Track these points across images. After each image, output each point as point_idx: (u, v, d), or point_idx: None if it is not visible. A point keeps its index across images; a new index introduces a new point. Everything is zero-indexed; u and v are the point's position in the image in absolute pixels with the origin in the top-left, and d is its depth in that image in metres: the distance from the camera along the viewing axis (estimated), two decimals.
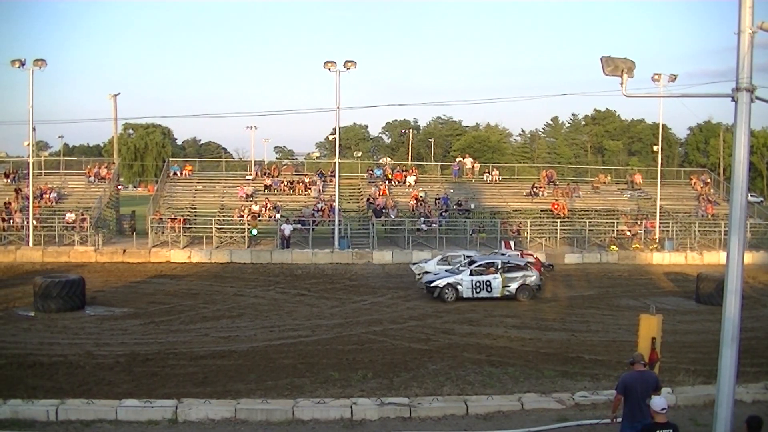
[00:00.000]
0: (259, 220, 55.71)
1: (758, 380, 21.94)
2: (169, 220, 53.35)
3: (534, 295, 36.62)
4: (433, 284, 36.13)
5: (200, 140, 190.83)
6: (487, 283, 35.88)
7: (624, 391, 14.22)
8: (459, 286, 35.80)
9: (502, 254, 43.09)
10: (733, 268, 12.50)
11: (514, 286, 36.11)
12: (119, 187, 70.64)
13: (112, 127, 77.10)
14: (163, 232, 52.61)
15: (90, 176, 62.36)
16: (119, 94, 70.71)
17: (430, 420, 18.21)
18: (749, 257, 49.86)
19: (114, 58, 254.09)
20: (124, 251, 49.69)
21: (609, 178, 72.12)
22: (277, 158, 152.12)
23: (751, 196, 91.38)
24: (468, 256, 40.29)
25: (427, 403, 18.87)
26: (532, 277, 36.71)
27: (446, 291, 35.70)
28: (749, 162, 12.73)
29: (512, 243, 48.87)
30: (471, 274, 36.22)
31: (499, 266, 36.59)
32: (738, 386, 15.44)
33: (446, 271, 37.98)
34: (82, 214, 53.64)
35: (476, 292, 35.78)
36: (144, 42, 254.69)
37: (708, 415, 15.78)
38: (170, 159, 77.40)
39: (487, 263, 37.15)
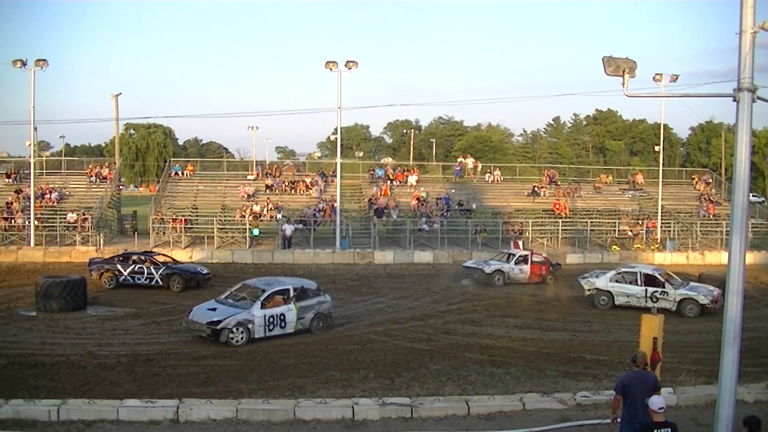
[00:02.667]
0: (261, 220, 55.66)
1: (760, 380, 21.98)
2: (171, 220, 53.36)
3: (328, 325, 29.39)
4: (219, 325, 26.76)
5: (202, 140, 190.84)
6: (281, 317, 27.96)
7: (623, 391, 14.25)
8: (250, 325, 27.14)
9: (512, 254, 43.72)
10: (735, 268, 12.51)
11: (308, 316, 28.61)
12: (120, 187, 70.68)
13: (113, 127, 77.02)
14: (164, 232, 52.61)
15: (91, 176, 62.36)
16: (121, 94, 70.70)
17: (432, 420, 18.23)
18: (751, 257, 49.94)
19: (115, 58, 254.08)
20: (126, 251, 49.54)
21: (610, 178, 72.08)
22: (278, 158, 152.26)
23: (753, 196, 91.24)
24: (646, 274, 35.79)
25: (428, 404, 18.88)
26: (326, 303, 29.55)
27: (234, 333, 26.80)
28: (751, 162, 12.73)
29: (521, 243, 48.39)
30: (263, 307, 27.74)
31: (292, 294, 28.68)
32: (739, 386, 15.45)
33: (234, 303, 28.62)
34: (84, 214, 53.60)
35: (269, 330, 27.65)
36: (146, 42, 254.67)
37: (710, 415, 15.76)
38: (172, 159, 77.40)
39: (278, 291, 28.74)
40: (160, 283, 38.33)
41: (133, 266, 38.80)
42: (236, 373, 22.91)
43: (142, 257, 39.94)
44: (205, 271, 40.08)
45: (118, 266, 38.90)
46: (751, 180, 12.33)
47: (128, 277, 38.63)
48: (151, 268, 38.76)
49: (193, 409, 17.85)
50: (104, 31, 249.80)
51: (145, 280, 38.50)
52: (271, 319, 27.71)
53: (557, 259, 50.08)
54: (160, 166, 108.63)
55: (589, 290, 36.53)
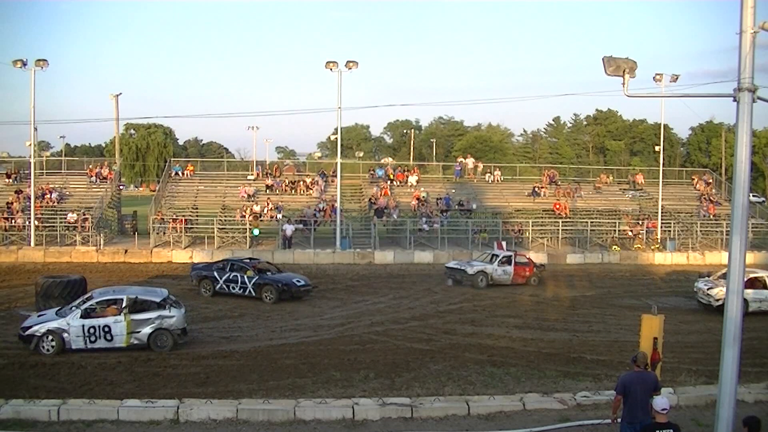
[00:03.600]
0: (261, 220, 55.66)
1: (760, 380, 22.02)
2: (171, 220, 53.38)
3: (176, 343, 26.17)
4: (27, 332, 25.38)
5: (202, 140, 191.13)
6: (106, 329, 25.45)
7: (623, 391, 14.26)
8: (65, 335, 25.14)
9: (495, 255, 43.21)
10: (735, 268, 12.50)
11: (145, 330, 25.77)
12: (121, 187, 70.62)
13: (113, 127, 76.66)
14: (164, 233, 52.60)
15: (91, 176, 62.37)
16: (121, 94, 70.44)
17: (432, 420, 18.25)
18: (751, 257, 49.97)
19: (116, 58, 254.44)
20: (126, 251, 49.80)
21: (611, 178, 72.09)
22: (278, 158, 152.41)
23: (753, 196, 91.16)
24: None
25: (428, 404, 18.90)
26: (172, 318, 26.19)
27: (44, 341, 25.02)
28: (751, 162, 12.72)
29: (504, 244, 48.41)
30: (83, 316, 25.54)
31: (125, 304, 25.97)
32: (740, 386, 15.47)
33: (65, 311, 26.42)
34: (84, 215, 53.60)
35: (90, 342, 25.34)
36: (146, 42, 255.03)
37: (710, 415, 15.79)
38: (172, 159, 77.37)
39: (108, 300, 26.38)
40: (253, 293, 36.37)
41: (228, 274, 37.22)
42: (236, 373, 22.91)
43: (242, 265, 38.14)
44: (302, 282, 37.31)
45: (215, 273, 37.50)
46: (752, 180, 12.39)
47: (224, 286, 37.07)
48: (245, 276, 36.82)
49: (193, 409, 17.86)
50: (104, 31, 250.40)
51: (239, 289, 36.71)
52: (92, 330, 25.25)
53: (555, 259, 50.17)
54: (161, 166, 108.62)
55: (719, 299, 32.72)
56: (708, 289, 35.13)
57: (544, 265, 46.05)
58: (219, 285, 37.05)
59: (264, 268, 38.45)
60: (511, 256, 43.14)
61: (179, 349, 25.69)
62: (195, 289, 37.57)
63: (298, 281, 37.21)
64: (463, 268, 42.16)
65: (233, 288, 36.79)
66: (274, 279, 36.98)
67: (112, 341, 25.30)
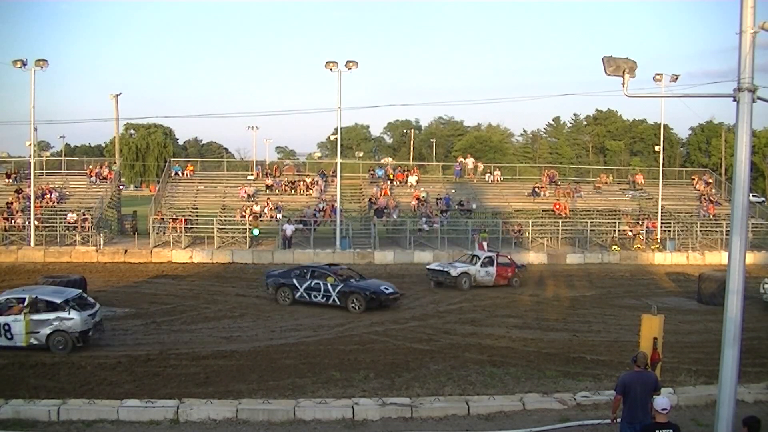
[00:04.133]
0: (261, 221, 55.66)
1: (760, 380, 22.04)
2: (171, 220, 53.38)
3: (75, 346, 25.39)
4: None
5: (202, 140, 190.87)
6: (6, 327, 25.22)
7: (623, 391, 14.25)
8: None
9: (477, 256, 42.88)
10: (735, 268, 12.52)
11: (44, 331, 25.25)
12: (121, 187, 70.62)
13: (113, 128, 76.66)
14: (164, 233, 52.56)
15: (91, 176, 62.37)
16: (121, 94, 70.41)
17: (432, 420, 18.25)
18: (751, 257, 50.01)
19: (115, 58, 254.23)
20: (126, 251, 49.78)
21: (611, 178, 72.12)
22: (278, 158, 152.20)
23: (753, 196, 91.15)
24: None
25: (428, 404, 18.91)
26: (71, 321, 25.37)
27: None
28: (751, 162, 12.72)
29: (485, 244, 48.91)
30: None
31: (26, 303, 25.60)
32: (740, 386, 15.48)
33: None
34: (84, 215, 53.59)
35: None
36: (146, 42, 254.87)
37: (710, 415, 15.80)
38: (172, 159, 77.35)
39: (15, 299, 26.10)
40: (337, 302, 34.51)
41: (310, 282, 35.32)
42: (236, 373, 22.93)
43: (323, 271, 36.28)
44: (390, 290, 35.51)
45: (295, 281, 35.59)
46: (751, 180, 12.39)
47: (304, 294, 35.27)
48: (328, 284, 34.85)
49: (193, 410, 17.87)
50: (104, 31, 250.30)
51: (322, 298, 34.83)
52: None
53: (555, 259, 50.19)
54: (160, 166, 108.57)
55: None
56: None
57: (525, 266, 45.79)
58: (299, 293, 35.37)
59: (346, 275, 36.51)
60: (493, 256, 42.77)
61: (81, 352, 25.14)
62: (269, 297, 36.40)
63: (386, 288, 35.51)
64: (446, 269, 41.21)
65: (315, 296, 35.03)
66: (360, 287, 35.18)
67: (12, 340, 25.19)
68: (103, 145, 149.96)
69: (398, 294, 35.88)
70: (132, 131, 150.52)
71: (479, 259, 42.19)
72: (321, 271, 36.21)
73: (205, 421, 17.66)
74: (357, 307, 34.01)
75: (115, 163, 67.56)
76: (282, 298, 35.56)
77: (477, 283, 41.01)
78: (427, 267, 43.53)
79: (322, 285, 34.92)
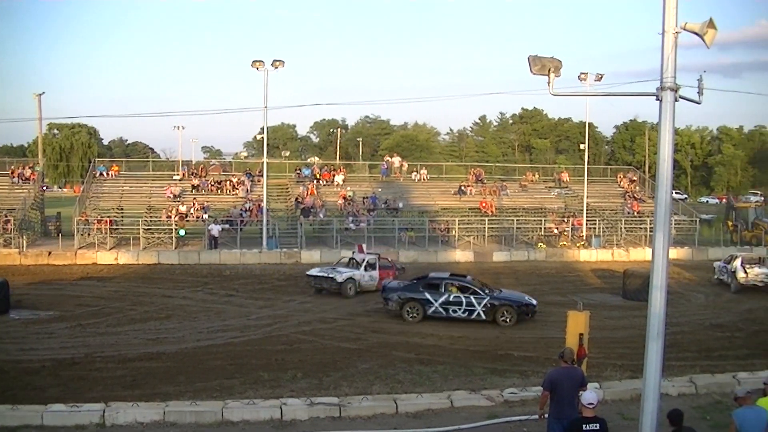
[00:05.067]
0: (187, 221, 55.39)
1: (683, 374, 22.37)
2: (96, 221, 52.72)
3: None
4: None
5: (127, 140, 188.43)
6: None
7: (551, 387, 14.33)
8: None
9: (355, 260, 40.52)
10: (659, 264, 12.65)
11: None
12: (44, 188, 69.77)
13: (36, 127, 75.65)
14: (89, 234, 51.88)
15: (14, 177, 61.38)
16: (44, 93, 69.42)
17: (360, 419, 18.20)
18: (674, 253, 50.68)
19: (38, 56, 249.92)
20: (50, 253, 49.02)
21: (537, 176, 72.85)
22: (204, 158, 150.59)
23: (676, 193, 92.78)
24: None
25: (357, 403, 18.86)
26: None
27: None
28: (674, 160, 12.89)
29: (364, 246, 44.84)
30: None
31: None
32: (664, 380, 15.65)
33: None
34: (6, 216, 52.70)
35: None
36: (69, 40, 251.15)
37: (635, 408, 15.95)
38: (96, 159, 76.54)
39: None
40: (483, 316, 31.69)
41: (447, 295, 32.10)
42: (163, 375, 22.78)
43: (456, 282, 33.27)
44: (534, 301, 33.27)
45: (427, 295, 32.25)
46: (674, 177, 12.33)
47: (440, 309, 31.93)
48: (472, 297, 31.87)
49: (119, 413, 17.65)
50: (26, 30, 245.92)
51: (463, 312, 31.73)
52: None
53: (482, 257, 50.46)
54: (85, 166, 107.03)
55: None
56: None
57: (405, 268, 43.96)
58: (433, 308, 31.98)
59: (477, 286, 33.26)
60: (374, 259, 40.47)
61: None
62: (390, 314, 32.92)
63: (530, 299, 33.30)
64: (330, 275, 38.18)
65: (455, 311, 31.73)
66: (509, 299, 32.79)
67: None
68: (26, 145, 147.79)
69: (536, 305, 33.28)
70: (56, 131, 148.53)
71: (363, 262, 39.74)
72: (461, 283, 33.15)
73: (132, 425, 17.46)
74: (508, 320, 31.60)
75: (38, 163, 66.57)
76: (410, 314, 32.09)
77: (361, 288, 38.46)
78: (308, 273, 39.96)
79: (463, 298, 31.87)
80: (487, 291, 32.68)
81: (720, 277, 43.33)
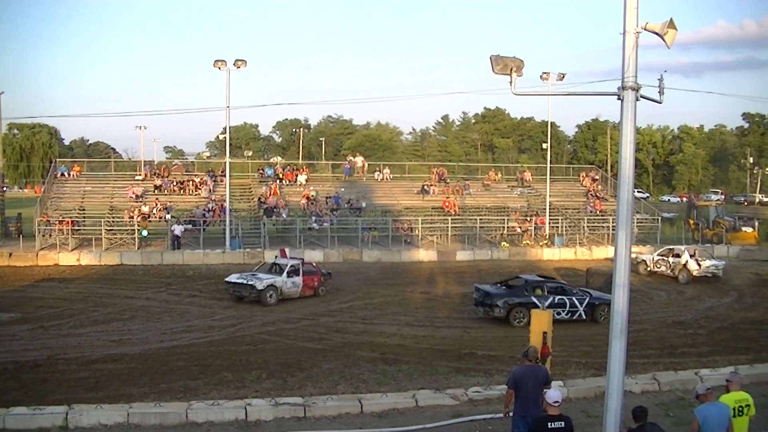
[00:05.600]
0: (150, 221, 55.12)
1: (647, 371, 22.69)
2: (57, 221, 52.33)
3: None
4: None
5: (88, 140, 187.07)
6: None
7: (515, 385, 14.43)
8: None
9: (277, 265, 38.46)
10: (621, 262, 12.76)
11: None
12: (4, 188, 69.24)
13: None
14: (50, 235, 51.50)
15: None
16: (3, 92, 68.81)
17: (325, 419, 18.24)
18: (636, 251, 51.05)
19: None
20: (10, 255, 48.50)
21: (499, 175, 73.13)
22: (167, 158, 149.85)
23: (638, 192, 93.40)
24: None
25: (321, 403, 18.90)
26: None
27: None
28: (635, 159, 12.99)
29: (288, 250, 43.61)
30: None
31: None
32: (627, 377, 15.87)
33: None
34: None
35: None
36: (28, 38, 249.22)
37: (599, 406, 16.06)
38: (57, 159, 75.60)
39: None
40: (584, 316, 32.10)
41: (552, 298, 31.67)
42: (127, 376, 22.65)
43: (557, 285, 33.39)
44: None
45: (533, 299, 31.38)
46: (636, 176, 12.51)
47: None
48: (574, 298, 32.23)
49: (83, 415, 17.56)
50: None
51: (567, 314, 31.66)
52: None
53: (445, 256, 50.53)
54: (46, 166, 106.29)
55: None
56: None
57: (331, 273, 40.40)
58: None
59: (561, 285, 33.82)
60: (298, 264, 38.08)
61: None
62: (495, 319, 31.92)
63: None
64: (250, 282, 35.97)
65: (559, 313, 30.79)
66: (602, 298, 32.23)
67: None
68: None
69: None
70: (15, 131, 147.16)
71: (285, 267, 37.60)
72: (561, 285, 33.51)
73: (96, 427, 17.38)
74: (605, 318, 28.99)
75: None
76: (516, 319, 31.17)
77: (284, 295, 36.36)
78: (226, 280, 37.76)
79: (567, 300, 32.02)
80: (582, 291, 33.49)
81: (656, 269, 46.24)
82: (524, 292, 32.15)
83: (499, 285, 33.79)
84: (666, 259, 46.19)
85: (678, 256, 45.64)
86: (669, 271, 45.16)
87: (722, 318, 33.56)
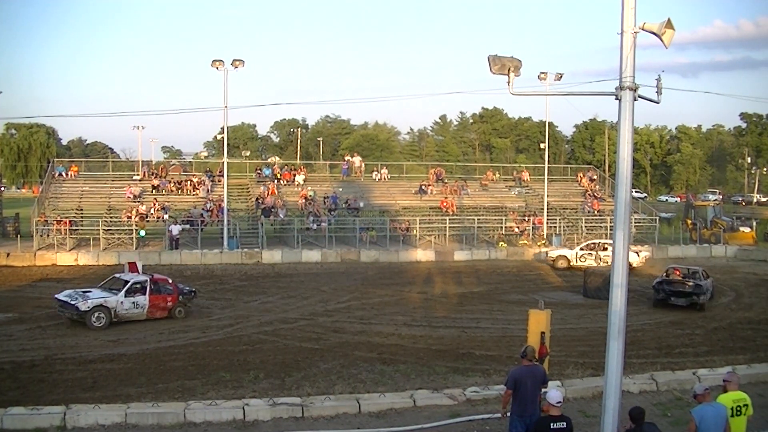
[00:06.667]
0: (147, 221, 55.10)
1: (644, 371, 22.68)
2: (55, 222, 52.29)
3: None
4: None
5: (86, 140, 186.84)
6: None
7: (514, 385, 14.41)
8: None
9: (125, 281, 31.96)
10: (619, 262, 12.76)
11: None
12: (2, 188, 69.16)
13: None
14: (48, 235, 51.48)
15: None
16: (1, 93, 69.08)
17: (323, 419, 18.24)
18: (551, 248, 51.66)
19: None
20: (8, 255, 48.43)
21: (497, 175, 73.25)
22: (164, 158, 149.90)
23: (636, 191, 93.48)
24: None
25: (319, 403, 18.90)
26: None
27: None
28: (633, 159, 12.98)
29: (140, 265, 35.22)
30: None
31: None
32: (625, 377, 15.79)
33: None
34: None
35: None
36: (26, 38, 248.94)
37: (597, 406, 16.10)
38: (55, 159, 75.70)
39: None
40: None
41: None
42: (124, 376, 22.63)
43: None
44: None
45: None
46: (634, 176, 12.45)
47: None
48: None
49: (80, 415, 17.56)
50: None
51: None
52: None
53: (443, 256, 50.45)
54: (43, 166, 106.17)
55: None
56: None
57: (195, 291, 34.94)
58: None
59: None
60: (145, 282, 32.10)
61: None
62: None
63: None
64: (73, 302, 30.35)
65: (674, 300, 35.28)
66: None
67: None
68: None
69: None
70: (13, 131, 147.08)
71: (126, 284, 31.75)
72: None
73: (94, 427, 17.37)
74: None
75: None
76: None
77: (120, 318, 30.87)
78: (55, 296, 31.89)
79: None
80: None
81: (581, 263, 48.34)
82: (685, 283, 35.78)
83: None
84: (593, 252, 48.51)
85: (606, 249, 47.49)
86: (603, 265, 45.75)
87: (720, 318, 33.51)
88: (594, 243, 49.37)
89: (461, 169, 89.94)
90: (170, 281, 33.75)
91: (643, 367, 23.32)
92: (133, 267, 34.19)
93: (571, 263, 47.97)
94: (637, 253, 48.27)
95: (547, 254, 51.52)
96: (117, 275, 33.49)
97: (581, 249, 48.62)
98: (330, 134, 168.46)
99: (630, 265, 43.76)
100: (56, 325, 30.20)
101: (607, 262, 44.83)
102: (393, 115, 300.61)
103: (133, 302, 31.24)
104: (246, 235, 55.54)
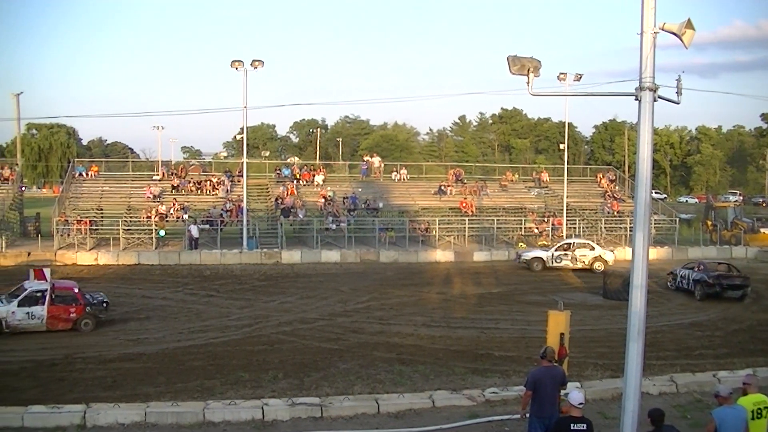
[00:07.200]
0: (167, 221, 55.22)
1: (664, 373, 22.53)
2: (75, 221, 52.47)
3: None
4: None
5: (106, 140, 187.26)
6: None
7: (533, 386, 14.38)
8: None
9: (25, 289, 29.63)
10: (639, 263, 12.70)
11: None
12: (23, 188, 69.33)
13: (14, 127, 75.23)
14: (68, 234, 51.63)
15: None
16: (22, 93, 68.99)
17: (342, 419, 18.24)
18: (654, 253, 50.92)
19: (16, 56, 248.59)
20: (29, 254, 48.61)
21: (516, 176, 73.07)
22: (184, 158, 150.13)
23: (655, 192, 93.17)
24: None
25: (338, 403, 18.90)
26: None
27: None
28: (653, 159, 12.93)
29: (48, 272, 31.71)
30: None
31: None
32: (644, 379, 15.72)
33: None
34: None
35: None
36: (47, 40, 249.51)
37: (616, 408, 16.04)
38: (75, 159, 76.04)
39: None
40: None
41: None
42: (144, 376, 22.69)
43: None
44: None
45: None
46: (654, 177, 12.36)
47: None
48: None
49: (100, 414, 17.62)
50: (3, 29, 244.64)
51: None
52: None
53: (462, 257, 50.31)
54: (64, 166, 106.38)
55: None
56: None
57: (108, 303, 31.46)
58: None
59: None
60: (45, 290, 29.53)
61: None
62: None
63: None
64: None
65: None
66: None
67: None
68: (4, 145, 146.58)
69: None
70: (34, 131, 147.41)
71: (23, 292, 29.61)
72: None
73: (113, 426, 17.43)
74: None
75: (16, 163, 66.19)
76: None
77: (13, 329, 28.74)
78: None
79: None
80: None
81: (556, 264, 48.61)
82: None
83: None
84: (569, 252, 48.66)
85: (581, 248, 49.00)
86: (579, 264, 47.84)
87: (739, 320, 33.33)
88: (569, 243, 49.20)
89: (480, 169, 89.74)
90: (76, 290, 30.81)
91: (662, 369, 23.18)
92: (39, 274, 31.41)
93: (547, 264, 47.72)
94: (612, 251, 50.52)
95: (519, 256, 50.62)
96: (24, 283, 30.80)
97: (556, 250, 48.43)
98: (349, 134, 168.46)
99: (605, 262, 44.48)
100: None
101: (584, 263, 47.38)
102: (412, 116, 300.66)
103: (28, 313, 28.97)
104: (265, 235, 55.54)
